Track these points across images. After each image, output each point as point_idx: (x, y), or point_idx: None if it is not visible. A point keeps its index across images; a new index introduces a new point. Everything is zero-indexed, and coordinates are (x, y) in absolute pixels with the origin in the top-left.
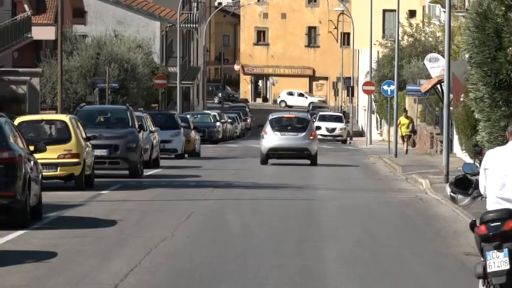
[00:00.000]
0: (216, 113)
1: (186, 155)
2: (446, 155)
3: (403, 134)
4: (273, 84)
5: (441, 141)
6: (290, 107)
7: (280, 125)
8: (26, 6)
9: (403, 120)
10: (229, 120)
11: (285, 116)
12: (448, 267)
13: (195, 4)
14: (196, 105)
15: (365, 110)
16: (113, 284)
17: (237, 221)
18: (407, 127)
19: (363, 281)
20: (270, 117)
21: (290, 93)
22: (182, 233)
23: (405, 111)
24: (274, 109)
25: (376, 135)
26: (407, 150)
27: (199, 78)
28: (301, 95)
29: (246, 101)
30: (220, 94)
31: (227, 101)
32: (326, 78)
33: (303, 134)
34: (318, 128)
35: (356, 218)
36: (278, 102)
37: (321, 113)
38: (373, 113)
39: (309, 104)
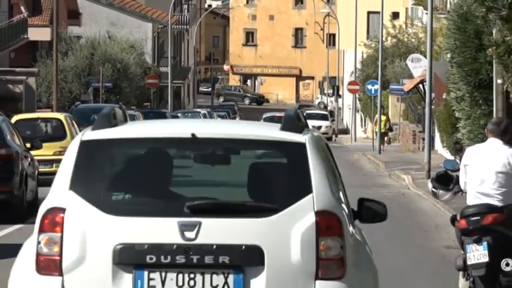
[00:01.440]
0: (206, 112)
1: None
2: (428, 152)
3: (382, 130)
4: (261, 84)
5: (423, 139)
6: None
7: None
8: (22, 8)
9: (383, 116)
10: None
11: (277, 115)
12: (429, 260)
13: (186, 6)
14: (187, 103)
15: (350, 108)
16: None
17: None
18: (385, 125)
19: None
20: (264, 116)
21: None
22: None
23: (382, 108)
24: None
25: (360, 133)
26: (381, 148)
27: (190, 78)
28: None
29: (233, 101)
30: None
31: (257, 102)
32: (312, 78)
33: None
34: None
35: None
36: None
37: (308, 111)
38: (358, 112)
39: (297, 103)
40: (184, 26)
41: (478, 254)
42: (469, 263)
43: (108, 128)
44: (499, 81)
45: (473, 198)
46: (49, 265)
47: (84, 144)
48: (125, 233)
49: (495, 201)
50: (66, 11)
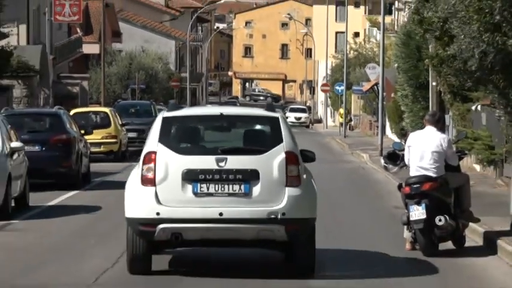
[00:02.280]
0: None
1: None
2: (381, 136)
3: (346, 120)
4: (256, 86)
5: (377, 126)
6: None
7: None
8: (78, 29)
9: (341, 110)
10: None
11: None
12: (382, 217)
13: (200, 28)
14: (201, 100)
15: (323, 104)
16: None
17: None
18: (346, 117)
19: (319, 225)
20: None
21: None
22: None
23: (342, 103)
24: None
25: (330, 122)
26: (345, 133)
27: (203, 81)
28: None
29: (236, 97)
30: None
31: (275, 100)
32: (294, 81)
33: None
34: (287, 117)
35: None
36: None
37: (291, 106)
38: (328, 106)
39: (283, 100)
40: (199, 43)
41: (418, 212)
42: (411, 219)
43: (175, 110)
44: (434, 83)
45: (414, 171)
46: (148, 181)
47: (164, 119)
48: (187, 164)
49: (431, 173)
50: (110, 31)
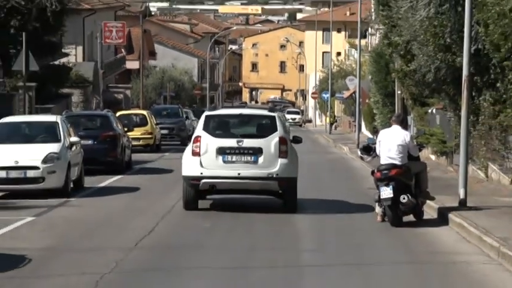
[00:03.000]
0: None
1: None
2: (358, 133)
3: (328, 122)
4: (260, 94)
5: (355, 125)
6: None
7: None
8: (122, 49)
9: (331, 114)
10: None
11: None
12: (358, 195)
13: (217, 49)
14: (218, 105)
15: (312, 108)
16: (171, 205)
17: None
18: (333, 119)
19: (308, 194)
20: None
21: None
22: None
23: (330, 108)
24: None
25: (318, 122)
26: (331, 131)
27: (219, 90)
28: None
29: (245, 103)
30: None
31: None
32: (290, 90)
33: None
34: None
35: (306, 168)
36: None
37: (288, 110)
38: (317, 109)
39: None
40: (216, 60)
41: (387, 192)
42: (381, 197)
43: (213, 111)
44: (399, 92)
45: (384, 160)
46: (196, 153)
47: (206, 115)
48: (219, 143)
49: (397, 162)
50: (147, 51)
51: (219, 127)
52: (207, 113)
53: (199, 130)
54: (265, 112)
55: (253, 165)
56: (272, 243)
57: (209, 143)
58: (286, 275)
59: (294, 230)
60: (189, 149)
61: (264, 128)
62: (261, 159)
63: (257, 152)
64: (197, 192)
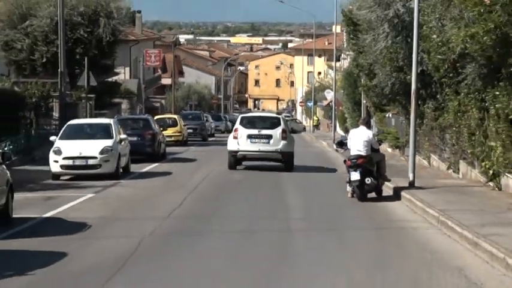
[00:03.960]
0: (236, 115)
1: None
2: (333, 132)
3: (314, 124)
4: (261, 103)
5: (332, 126)
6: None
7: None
8: (158, 70)
9: (315, 117)
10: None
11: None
12: (334, 178)
13: (229, 69)
14: (229, 111)
15: (300, 113)
16: (195, 185)
17: None
18: (316, 121)
19: (294, 180)
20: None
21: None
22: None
23: (314, 114)
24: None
25: (304, 124)
26: (314, 130)
27: (231, 100)
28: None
29: (250, 110)
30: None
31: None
32: (283, 100)
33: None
34: None
35: (295, 157)
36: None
37: (284, 114)
38: (303, 114)
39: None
40: (228, 77)
41: (355, 176)
42: (351, 179)
43: (245, 114)
44: (364, 101)
45: (353, 152)
46: (235, 137)
47: (241, 116)
48: (248, 132)
49: (363, 153)
50: (177, 71)
51: (248, 122)
52: (242, 115)
53: (237, 124)
54: (274, 114)
55: (267, 144)
56: (271, 211)
57: (242, 132)
58: (281, 236)
59: (287, 202)
60: (231, 135)
61: (273, 123)
62: (271, 141)
63: (269, 137)
64: (236, 160)
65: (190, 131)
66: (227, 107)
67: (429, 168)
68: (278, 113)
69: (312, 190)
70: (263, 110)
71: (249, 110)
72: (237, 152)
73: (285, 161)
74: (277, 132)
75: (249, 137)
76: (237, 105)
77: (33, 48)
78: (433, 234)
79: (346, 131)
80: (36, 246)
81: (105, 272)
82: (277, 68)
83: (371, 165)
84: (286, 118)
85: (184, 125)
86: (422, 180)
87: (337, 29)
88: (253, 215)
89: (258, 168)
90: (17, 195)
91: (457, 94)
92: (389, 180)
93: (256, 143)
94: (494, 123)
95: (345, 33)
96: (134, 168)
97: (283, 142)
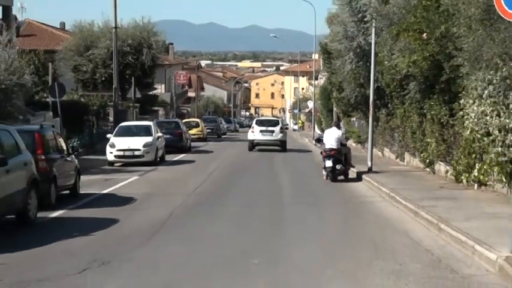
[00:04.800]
0: (242, 119)
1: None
2: (313, 132)
3: (300, 125)
4: (260, 110)
5: (312, 127)
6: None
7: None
8: (186, 86)
9: (300, 120)
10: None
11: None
12: (313, 165)
13: (237, 85)
14: (238, 116)
15: (288, 118)
16: (212, 170)
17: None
18: (301, 124)
19: (282, 166)
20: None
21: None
22: (239, 155)
23: (299, 118)
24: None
25: (292, 126)
26: (299, 130)
27: (238, 108)
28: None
29: (252, 114)
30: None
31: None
32: (276, 108)
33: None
34: None
35: (281, 154)
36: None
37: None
38: (291, 119)
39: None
40: (237, 92)
41: (329, 163)
42: (326, 166)
43: (258, 118)
44: (335, 109)
45: (327, 146)
46: (252, 132)
47: (256, 119)
48: (260, 128)
49: (334, 147)
50: (200, 87)
51: (260, 122)
52: (256, 118)
53: (253, 123)
54: (275, 118)
55: (271, 136)
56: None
57: (256, 128)
58: (275, 208)
59: (281, 182)
60: (250, 130)
61: (275, 123)
62: (274, 134)
63: (273, 131)
64: (252, 145)
65: (209, 130)
66: (235, 113)
67: (383, 158)
68: (277, 117)
69: (297, 172)
70: (262, 115)
71: (251, 115)
72: (253, 140)
73: (281, 146)
74: (277, 128)
75: (261, 131)
76: (243, 111)
77: (95, 70)
78: (385, 206)
79: (322, 130)
80: (97, 214)
81: (148, 232)
82: (272, 85)
83: (340, 155)
84: None
85: (205, 126)
86: (377, 166)
87: (315, 56)
88: (255, 192)
89: (264, 150)
90: (83, 177)
91: (402, 104)
92: (353, 167)
93: (265, 135)
94: (430, 125)
95: (321, 60)
96: (168, 157)
97: (281, 134)
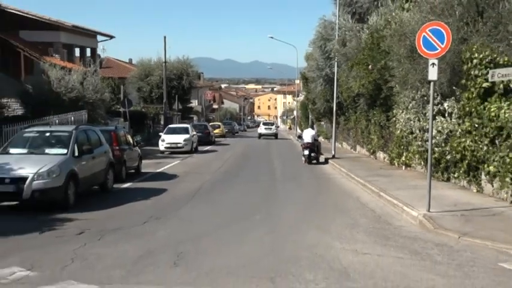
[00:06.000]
0: (249, 123)
1: (244, 131)
2: (296, 131)
3: (288, 127)
4: (262, 118)
5: (296, 128)
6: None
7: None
8: (211, 100)
9: (288, 123)
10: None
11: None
12: (296, 155)
13: (246, 101)
14: (246, 121)
15: (280, 122)
16: (228, 157)
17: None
18: (290, 125)
19: (276, 155)
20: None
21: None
22: (247, 146)
23: (287, 122)
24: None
25: (282, 127)
26: (288, 130)
27: (246, 116)
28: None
29: (254, 121)
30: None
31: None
32: (271, 115)
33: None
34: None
35: (275, 146)
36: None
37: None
38: (281, 123)
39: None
40: (245, 105)
41: (306, 152)
42: (304, 154)
43: (264, 121)
44: (311, 116)
45: (305, 141)
46: (260, 128)
47: (263, 122)
48: (264, 126)
49: (310, 141)
50: (221, 102)
51: (264, 123)
52: (262, 121)
53: (261, 124)
54: (272, 121)
55: (270, 130)
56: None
57: (262, 126)
58: (270, 182)
59: (273, 166)
60: (258, 128)
61: (272, 124)
62: (271, 129)
63: (271, 128)
64: (260, 135)
65: (226, 130)
66: (244, 119)
67: (342, 148)
68: (272, 121)
69: (284, 159)
70: (264, 120)
71: (255, 121)
72: (260, 133)
73: (275, 136)
74: (273, 127)
75: (264, 128)
76: (249, 118)
77: (151, 90)
78: (343, 181)
79: (302, 130)
80: (152, 185)
81: (187, 197)
82: (269, 100)
83: (314, 147)
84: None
85: (224, 127)
86: (338, 154)
87: (297, 81)
88: (256, 171)
89: (266, 139)
90: (144, 161)
91: (355, 113)
92: (322, 154)
93: (266, 129)
94: (373, 126)
95: (301, 84)
96: (200, 148)
97: (275, 130)
